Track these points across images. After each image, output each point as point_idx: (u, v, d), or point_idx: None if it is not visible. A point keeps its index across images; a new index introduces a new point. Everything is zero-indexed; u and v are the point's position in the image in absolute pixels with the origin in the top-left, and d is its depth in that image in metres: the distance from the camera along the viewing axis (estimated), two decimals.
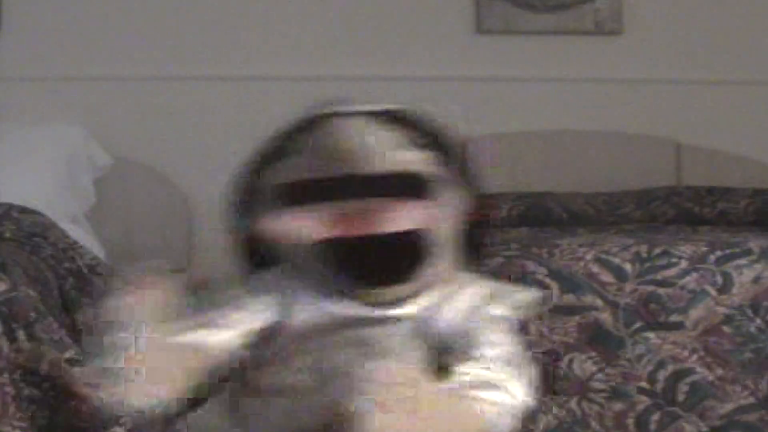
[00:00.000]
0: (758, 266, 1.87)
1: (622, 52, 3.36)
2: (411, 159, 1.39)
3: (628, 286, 1.85)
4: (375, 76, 3.25)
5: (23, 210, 2.27)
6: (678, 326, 1.83)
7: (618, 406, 1.80)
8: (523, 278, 1.86)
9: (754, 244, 1.92)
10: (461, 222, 1.43)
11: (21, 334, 1.61)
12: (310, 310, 1.38)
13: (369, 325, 1.36)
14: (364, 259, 1.35)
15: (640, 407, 1.80)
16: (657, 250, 1.89)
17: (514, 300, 1.44)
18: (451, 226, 1.41)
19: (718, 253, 1.89)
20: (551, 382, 1.80)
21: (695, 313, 1.84)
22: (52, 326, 1.64)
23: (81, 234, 2.58)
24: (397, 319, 1.37)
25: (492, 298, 1.42)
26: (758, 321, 1.84)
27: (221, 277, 1.48)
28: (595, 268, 1.87)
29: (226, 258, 3.36)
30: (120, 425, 1.59)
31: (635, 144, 3.32)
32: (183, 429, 1.39)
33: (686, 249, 1.90)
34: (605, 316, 1.83)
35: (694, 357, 1.82)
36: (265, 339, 1.38)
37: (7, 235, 2.11)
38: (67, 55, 3.15)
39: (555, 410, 1.79)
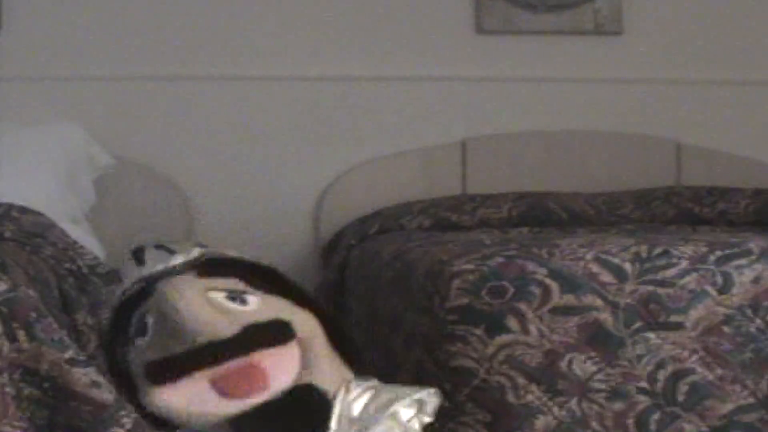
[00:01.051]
0: (758, 266, 1.87)
1: (622, 52, 3.36)
2: (236, 311, 1.41)
3: (628, 286, 1.85)
4: (375, 76, 3.25)
5: (23, 210, 2.27)
6: (678, 326, 1.83)
7: (618, 406, 1.80)
8: (521, 278, 1.86)
9: (754, 244, 1.92)
10: (322, 332, 1.48)
11: (21, 334, 1.61)
12: None
13: None
14: (267, 424, 1.37)
15: (640, 407, 1.80)
16: (657, 250, 1.90)
17: (412, 400, 1.48)
18: (317, 343, 1.45)
19: (718, 253, 1.89)
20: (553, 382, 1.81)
21: (695, 313, 1.84)
22: (52, 326, 1.64)
23: (81, 234, 2.57)
24: None
25: (392, 401, 1.46)
26: (758, 321, 1.84)
27: None
28: (595, 268, 1.87)
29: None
30: (120, 425, 1.59)
31: (635, 144, 3.32)
32: None
33: (686, 249, 1.90)
34: (605, 316, 1.83)
35: (694, 357, 1.82)
36: None
37: (7, 235, 2.11)
38: (67, 55, 3.15)
39: (555, 410, 1.79)
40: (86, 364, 1.63)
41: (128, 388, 1.46)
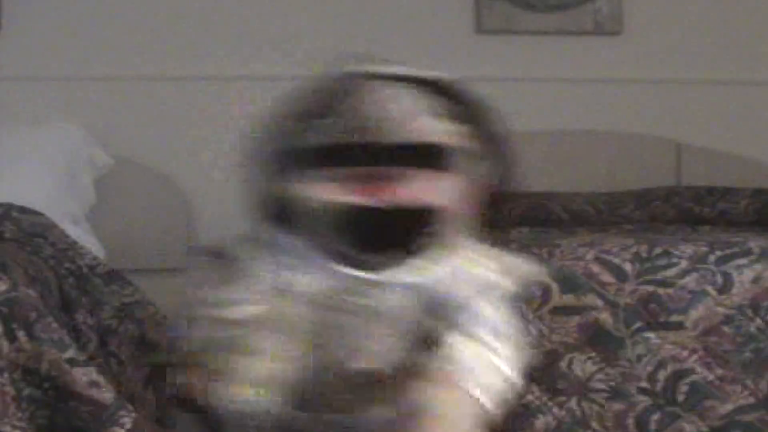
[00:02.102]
0: (758, 266, 1.87)
1: (622, 52, 3.36)
2: (437, 129, 1.40)
3: (628, 286, 1.85)
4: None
5: (23, 210, 2.27)
6: (678, 326, 1.83)
7: (618, 406, 1.80)
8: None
9: (754, 244, 1.92)
10: (483, 194, 1.45)
11: (21, 334, 1.61)
12: (315, 273, 1.39)
13: (370, 289, 1.38)
14: (375, 227, 1.36)
15: (640, 407, 1.80)
16: (657, 250, 1.89)
17: (517, 273, 1.45)
18: (469, 199, 1.42)
19: (718, 253, 1.89)
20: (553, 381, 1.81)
21: (695, 313, 1.84)
22: (52, 326, 1.64)
23: (81, 234, 2.58)
24: (397, 285, 1.38)
25: (496, 270, 1.43)
26: (758, 321, 1.84)
27: (233, 239, 1.49)
28: (595, 268, 1.87)
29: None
30: (120, 425, 1.59)
31: (635, 144, 3.32)
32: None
33: (686, 249, 1.90)
34: (605, 316, 1.83)
35: (694, 357, 1.82)
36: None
37: (7, 235, 2.11)
38: (67, 55, 3.15)
39: (555, 410, 1.79)
40: (86, 364, 1.63)
41: (263, 169, 1.49)
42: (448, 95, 1.46)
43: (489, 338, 1.35)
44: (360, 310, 1.36)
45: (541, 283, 1.84)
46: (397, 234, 1.37)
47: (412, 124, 1.38)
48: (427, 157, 1.38)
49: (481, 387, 1.32)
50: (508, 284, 1.44)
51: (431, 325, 1.36)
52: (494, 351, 1.34)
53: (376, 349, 1.33)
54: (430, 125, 1.40)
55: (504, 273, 1.44)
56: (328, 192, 1.36)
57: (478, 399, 1.32)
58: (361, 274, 1.38)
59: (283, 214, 1.44)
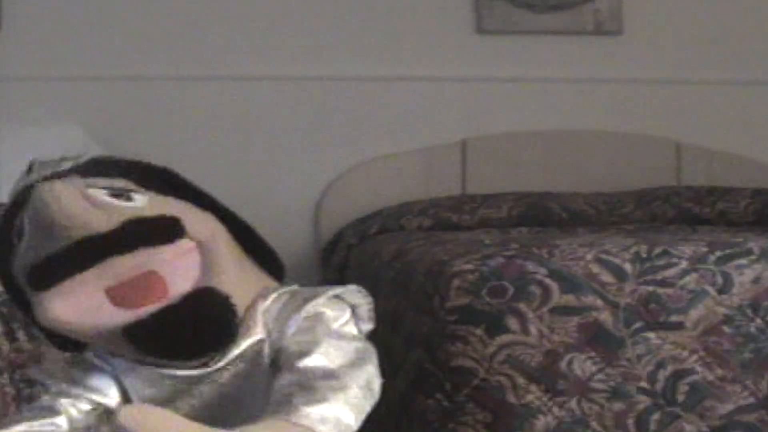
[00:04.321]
0: (758, 266, 1.87)
1: (622, 52, 3.36)
2: (119, 207, 1.30)
3: (628, 286, 1.85)
4: (375, 77, 3.25)
5: None
6: (678, 326, 1.83)
7: (618, 406, 1.80)
8: (521, 278, 1.86)
9: (754, 244, 1.92)
10: (228, 236, 1.37)
11: (21, 334, 1.61)
12: (149, 379, 1.32)
13: (200, 382, 1.31)
14: (165, 332, 1.26)
15: (640, 407, 1.80)
16: (657, 250, 1.89)
17: (328, 299, 1.35)
18: (219, 246, 1.33)
19: (718, 253, 1.89)
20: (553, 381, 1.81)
21: (695, 313, 1.84)
22: None
23: None
24: (228, 367, 1.31)
25: (306, 300, 1.34)
26: (758, 321, 1.84)
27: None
28: (595, 268, 1.87)
29: None
30: None
31: (635, 144, 3.32)
32: None
33: (686, 249, 1.90)
34: (605, 316, 1.83)
35: (694, 357, 1.82)
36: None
37: None
38: (67, 55, 3.15)
39: (555, 410, 1.79)
40: None
41: (24, 305, 1.32)
42: (115, 168, 1.38)
43: (316, 376, 1.25)
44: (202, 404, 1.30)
45: (541, 282, 1.83)
46: (193, 324, 1.26)
47: (82, 218, 1.25)
48: (143, 235, 1.27)
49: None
50: (324, 306, 1.34)
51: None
52: (323, 394, 1.23)
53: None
54: (129, 207, 1.30)
55: (315, 299, 1.34)
56: (97, 316, 1.25)
57: None
58: (191, 372, 1.30)
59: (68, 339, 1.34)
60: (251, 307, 1.34)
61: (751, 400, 1.81)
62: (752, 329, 1.83)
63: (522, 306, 1.83)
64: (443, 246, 2.14)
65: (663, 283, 1.85)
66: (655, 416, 1.80)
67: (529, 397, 1.79)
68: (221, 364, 1.30)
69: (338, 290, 1.34)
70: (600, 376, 1.81)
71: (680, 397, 1.80)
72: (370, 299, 1.38)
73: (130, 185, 1.36)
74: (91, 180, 1.32)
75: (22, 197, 1.35)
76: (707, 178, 3.19)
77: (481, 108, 3.31)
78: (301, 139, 3.23)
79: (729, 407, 1.80)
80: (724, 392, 1.80)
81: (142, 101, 3.18)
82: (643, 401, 1.80)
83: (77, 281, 1.24)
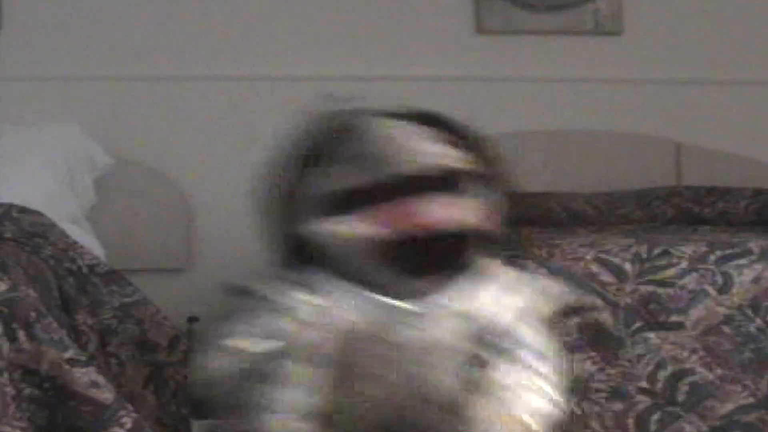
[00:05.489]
0: (758, 266, 1.87)
1: (622, 52, 3.36)
2: (446, 156, 1.42)
3: (628, 286, 1.85)
4: (375, 76, 3.25)
5: (23, 210, 2.27)
6: (678, 326, 1.83)
7: (618, 406, 1.80)
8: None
9: (754, 244, 1.92)
10: (499, 215, 1.47)
11: (21, 334, 1.61)
12: (355, 305, 1.40)
13: (413, 318, 1.38)
14: (411, 256, 1.37)
15: (640, 407, 1.80)
16: (657, 250, 1.89)
17: (551, 297, 1.47)
18: (491, 220, 1.44)
19: (718, 253, 1.89)
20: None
21: (695, 313, 1.83)
22: (52, 326, 1.64)
23: (81, 234, 2.58)
24: (441, 314, 1.39)
25: (531, 294, 1.46)
26: (758, 321, 1.84)
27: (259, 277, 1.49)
28: (595, 268, 1.86)
29: (226, 258, 3.36)
30: (120, 425, 1.59)
31: (635, 144, 3.32)
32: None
33: (686, 249, 1.90)
34: (605, 316, 1.83)
35: (694, 357, 1.82)
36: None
37: (7, 235, 2.11)
38: (67, 55, 3.15)
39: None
40: (86, 364, 1.63)
41: (285, 214, 1.49)
42: (441, 125, 1.46)
43: (534, 363, 1.38)
44: (406, 340, 1.37)
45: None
46: (434, 260, 1.39)
47: (423, 153, 1.40)
48: (442, 183, 1.40)
49: (530, 411, 1.36)
50: (545, 308, 1.46)
51: (479, 353, 1.38)
52: (540, 375, 1.38)
53: (429, 378, 1.34)
54: (438, 152, 1.42)
55: (539, 297, 1.47)
56: (359, 228, 1.38)
57: (530, 423, 1.36)
58: (403, 304, 1.39)
59: (309, 255, 1.44)
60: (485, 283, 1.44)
61: (751, 400, 1.81)
62: (752, 329, 1.83)
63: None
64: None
65: (663, 283, 1.85)
66: (655, 416, 1.80)
67: None
68: (437, 305, 1.39)
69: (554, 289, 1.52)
70: (600, 376, 1.81)
71: (680, 397, 1.80)
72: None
73: (446, 140, 1.46)
74: (418, 127, 1.45)
75: (347, 127, 1.50)
76: (707, 178, 3.18)
77: (481, 108, 3.30)
78: None
79: (729, 407, 1.80)
80: (724, 392, 1.80)
81: (142, 101, 3.18)
82: (643, 401, 1.80)
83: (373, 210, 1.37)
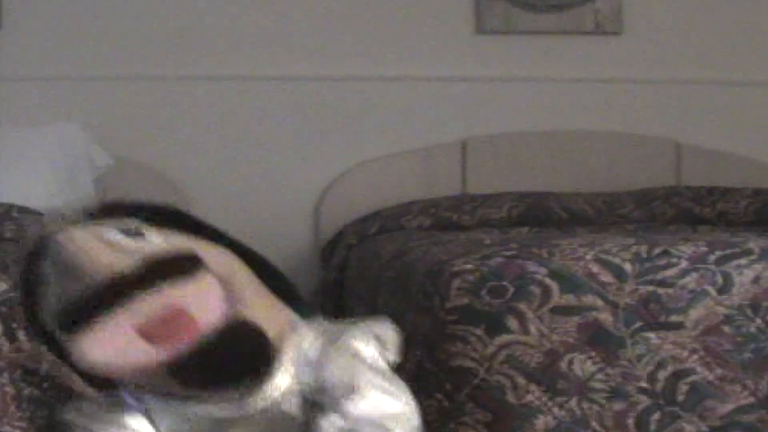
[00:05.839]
0: (758, 266, 1.87)
1: (622, 52, 3.36)
2: (129, 246, 1.35)
3: (628, 286, 1.85)
4: (375, 76, 3.25)
5: (23, 210, 2.27)
6: (678, 326, 1.83)
7: (618, 406, 1.80)
8: (521, 278, 1.86)
9: (754, 244, 1.92)
10: (247, 270, 1.41)
11: (21, 334, 1.61)
12: (184, 418, 1.36)
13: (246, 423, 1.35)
14: (207, 365, 1.30)
15: (640, 407, 1.80)
16: (657, 250, 1.89)
17: (364, 332, 1.43)
18: (240, 278, 1.38)
19: (718, 253, 1.89)
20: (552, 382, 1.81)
21: (695, 313, 1.83)
22: None
23: None
24: (266, 406, 1.35)
25: (341, 333, 1.41)
26: (758, 321, 1.84)
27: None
28: (595, 268, 1.86)
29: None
30: None
31: (635, 144, 3.32)
32: None
33: (686, 249, 1.90)
34: (605, 316, 1.83)
35: (694, 357, 1.82)
36: None
37: (7, 235, 2.11)
38: (67, 55, 3.16)
39: (555, 410, 1.79)
40: None
41: (57, 350, 1.39)
42: (118, 209, 1.43)
43: (379, 382, 1.36)
44: None
45: (541, 282, 1.84)
46: (227, 362, 1.31)
47: (98, 262, 1.30)
48: (158, 274, 1.31)
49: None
50: (360, 347, 1.42)
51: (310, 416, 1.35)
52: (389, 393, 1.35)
53: None
54: (146, 245, 1.35)
55: (346, 338, 1.43)
56: (131, 357, 1.29)
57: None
58: (223, 413, 1.35)
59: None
60: (283, 341, 1.37)
61: (751, 400, 1.81)
62: (752, 329, 1.83)
63: (522, 306, 1.83)
64: (443, 246, 2.14)
65: (663, 283, 1.85)
66: (655, 416, 1.80)
67: (529, 397, 1.79)
68: (259, 405, 1.33)
69: (370, 327, 1.42)
70: (600, 376, 1.81)
71: (680, 397, 1.80)
72: (395, 334, 1.47)
73: (141, 225, 1.39)
74: (103, 222, 1.37)
75: (39, 248, 1.38)
76: (707, 178, 3.19)
77: (481, 108, 3.31)
78: (301, 139, 3.23)
79: (729, 407, 1.80)
80: (724, 392, 1.80)
81: (142, 101, 3.18)
82: (643, 401, 1.80)
83: (108, 322, 1.27)
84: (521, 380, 1.80)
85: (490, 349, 1.81)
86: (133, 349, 1.28)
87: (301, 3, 3.27)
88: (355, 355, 1.39)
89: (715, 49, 3.38)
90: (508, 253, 1.91)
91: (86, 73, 3.15)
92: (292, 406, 1.35)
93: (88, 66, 3.16)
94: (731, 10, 3.39)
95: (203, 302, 1.31)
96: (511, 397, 1.79)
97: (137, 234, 1.36)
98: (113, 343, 1.28)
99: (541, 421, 1.78)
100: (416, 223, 2.83)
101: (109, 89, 3.16)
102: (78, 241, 1.32)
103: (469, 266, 1.88)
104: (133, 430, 1.37)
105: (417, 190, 3.17)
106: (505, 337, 1.81)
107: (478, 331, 1.82)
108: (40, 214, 2.29)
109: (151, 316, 1.28)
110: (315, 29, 3.25)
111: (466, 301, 1.84)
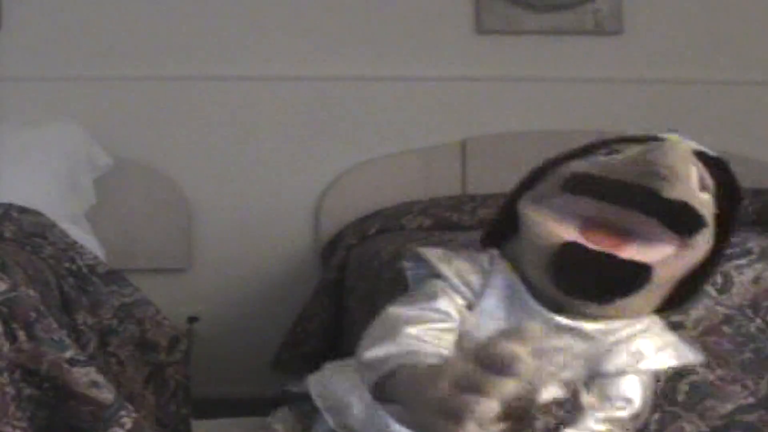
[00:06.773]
0: (758, 266, 1.87)
1: (622, 52, 3.36)
2: (701, 200, 1.46)
3: None
4: (375, 77, 3.25)
5: (23, 210, 2.27)
6: (678, 326, 1.82)
7: None
8: None
9: (754, 244, 1.92)
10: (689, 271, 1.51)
11: (21, 334, 1.61)
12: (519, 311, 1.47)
13: (563, 333, 1.46)
14: (587, 271, 1.42)
15: None
16: None
17: (677, 357, 1.55)
18: (681, 273, 1.49)
19: None
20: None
21: (695, 313, 1.83)
22: (52, 326, 1.64)
23: (81, 234, 2.58)
24: (580, 335, 1.46)
25: (661, 348, 1.53)
26: (758, 321, 1.84)
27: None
28: None
29: (226, 258, 3.35)
30: (120, 425, 1.59)
31: None
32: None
33: None
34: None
35: None
36: None
37: (7, 235, 2.11)
38: (67, 55, 3.15)
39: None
40: (86, 364, 1.63)
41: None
42: (715, 170, 1.52)
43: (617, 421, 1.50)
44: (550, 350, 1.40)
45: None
46: (604, 284, 1.43)
47: (685, 187, 1.43)
48: (679, 221, 1.43)
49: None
50: (662, 364, 1.55)
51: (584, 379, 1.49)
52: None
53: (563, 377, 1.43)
54: (697, 194, 1.45)
55: (664, 352, 1.53)
56: (555, 228, 1.44)
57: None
58: (561, 320, 1.46)
59: (508, 230, 1.56)
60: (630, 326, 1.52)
61: (751, 400, 1.81)
62: (752, 329, 1.83)
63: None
64: (443, 246, 2.13)
65: None
66: (655, 416, 1.79)
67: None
68: (609, 341, 1.46)
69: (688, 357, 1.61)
70: None
71: (680, 397, 1.80)
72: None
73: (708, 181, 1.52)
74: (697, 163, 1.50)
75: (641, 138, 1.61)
76: None
77: (481, 108, 3.31)
78: (301, 139, 3.23)
79: (729, 407, 1.80)
80: (724, 392, 1.80)
81: (142, 101, 3.18)
82: None
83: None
84: None
85: None
86: (562, 229, 1.45)
87: (301, 3, 3.26)
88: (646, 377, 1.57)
89: (715, 49, 3.38)
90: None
91: (86, 73, 3.15)
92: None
93: (88, 66, 3.16)
94: (731, 10, 3.39)
95: (655, 249, 1.43)
96: None
97: (706, 189, 1.50)
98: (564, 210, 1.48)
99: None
100: (416, 223, 2.83)
101: (109, 89, 3.16)
102: (678, 151, 1.53)
103: None
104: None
105: (417, 190, 3.16)
106: None
107: None
108: (40, 214, 2.29)
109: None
110: (315, 30, 3.25)
111: None
